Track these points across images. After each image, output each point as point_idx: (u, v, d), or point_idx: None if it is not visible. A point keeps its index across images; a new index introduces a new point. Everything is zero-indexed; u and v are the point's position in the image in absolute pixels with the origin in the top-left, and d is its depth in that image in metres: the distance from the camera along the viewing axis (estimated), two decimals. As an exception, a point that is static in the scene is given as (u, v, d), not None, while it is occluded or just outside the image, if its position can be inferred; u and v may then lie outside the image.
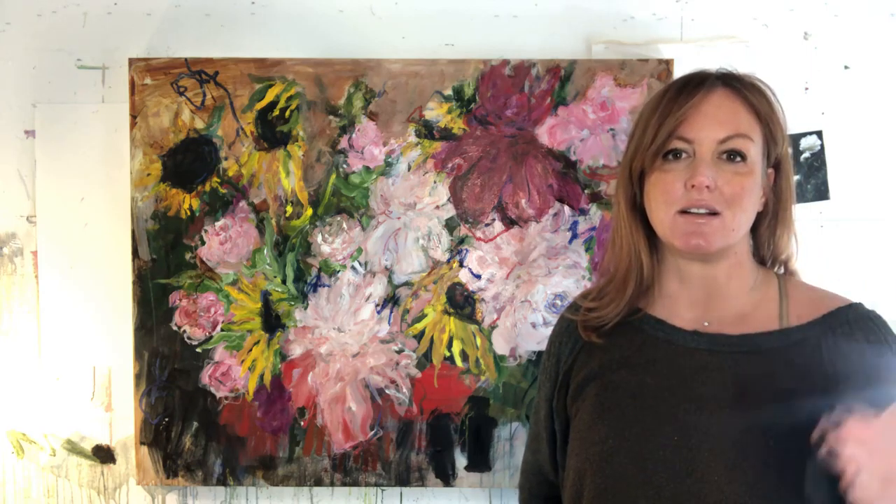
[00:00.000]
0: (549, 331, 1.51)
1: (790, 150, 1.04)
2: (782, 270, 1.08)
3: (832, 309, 1.01)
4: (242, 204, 1.54)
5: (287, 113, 1.53)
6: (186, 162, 1.53)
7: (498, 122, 1.52)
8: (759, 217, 1.04)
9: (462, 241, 1.53)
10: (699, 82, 1.01)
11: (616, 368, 1.04)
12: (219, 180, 1.54)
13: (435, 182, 1.53)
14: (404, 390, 1.54)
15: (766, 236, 1.06)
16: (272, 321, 1.54)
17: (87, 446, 1.59)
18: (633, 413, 1.00)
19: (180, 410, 1.54)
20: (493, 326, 1.53)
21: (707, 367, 0.99)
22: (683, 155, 0.99)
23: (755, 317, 1.02)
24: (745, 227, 1.00)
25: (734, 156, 0.97)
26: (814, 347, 0.98)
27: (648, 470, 0.96)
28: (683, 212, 0.98)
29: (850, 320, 0.99)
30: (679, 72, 1.49)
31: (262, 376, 1.54)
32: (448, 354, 1.53)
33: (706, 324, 1.02)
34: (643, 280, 1.05)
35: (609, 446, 1.00)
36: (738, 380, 0.97)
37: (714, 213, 0.97)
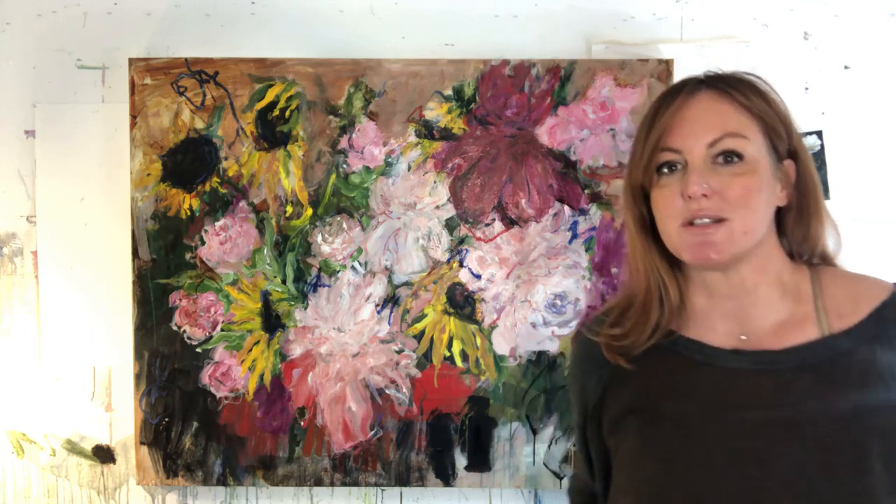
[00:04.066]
0: (548, 331, 1.52)
1: (802, 139, 0.98)
2: (814, 259, 1.02)
3: (876, 305, 0.94)
4: (242, 204, 1.54)
5: (287, 113, 1.53)
6: (186, 162, 1.53)
7: (498, 122, 1.52)
8: (784, 212, 0.98)
9: (462, 241, 1.53)
10: (679, 89, 0.97)
11: (655, 398, 0.97)
12: (219, 180, 1.54)
13: (435, 182, 1.53)
14: (404, 390, 1.54)
15: (797, 231, 1.00)
16: (272, 321, 1.54)
17: (87, 446, 1.59)
18: (680, 445, 0.93)
19: (180, 410, 1.54)
20: (493, 326, 1.53)
21: (755, 388, 0.92)
22: (678, 166, 0.94)
23: (793, 324, 0.95)
24: (759, 228, 0.94)
25: (730, 157, 0.92)
26: (868, 354, 0.91)
27: None
28: (689, 223, 0.93)
29: None
30: (679, 72, 1.49)
31: (262, 376, 1.54)
32: (448, 354, 1.53)
33: (743, 338, 0.96)
34: (671, 301, 0.99)
35: (659, 484, 0.93)
36: (792, 402, 0.91)
37: (721, 220, 0.92)
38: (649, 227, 1.01)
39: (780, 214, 0.99)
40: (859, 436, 0.88)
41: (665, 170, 0.96)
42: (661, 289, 0.99)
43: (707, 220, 0.92)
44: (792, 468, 0.88)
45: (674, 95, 0.97)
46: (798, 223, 1.00)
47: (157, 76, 1.53)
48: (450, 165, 1.53)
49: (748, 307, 0.97)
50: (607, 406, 1.03)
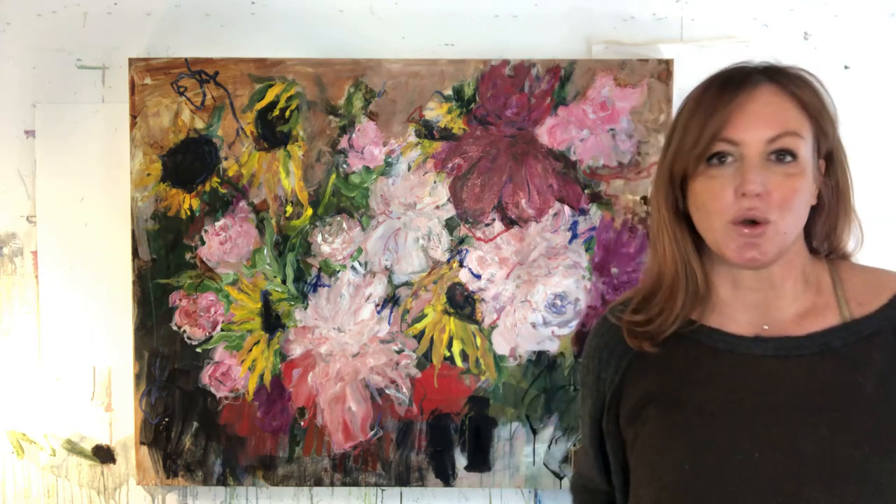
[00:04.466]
0: (548, 331, 1.52)
1: (841, 141, 0.97)
2: (832, 255, 1.02)
3: None
4: (242, 204, 1.54)
5: (287, 113, 1.53)
6: (186, 162, 1.53)
7: (498, 122, 1.52)
8: (814, 210, 0.97)
9: (462, 241, 1.53)
10: (742, 79, 0.94)
11: (676, 387, 0.97)
12: (219, 180, 1.54)
13: (435, 182, 1.53)
14: (404, 390, 1.54)
15: (824, 229, 0.99)
16: (272, 321, 1.54)
17: (87, 446, 1.59)
18: (703, 432, 0.93)
19: (180, 410, 1.54)
20: (493, 326, 1.53)
21: (777, 373, 0.92)
22: (729, 159, 0.92)
23: (814, 312, 0.96)
24: (797, 228, 0.94)
25: (784, 155, 0.90)
26: (891, 336, 0.92)
27: (731, 492, 0.89)
28: (738, 222, 0.91)
29: None
30: (679, 72, 1.49)
31: (262, 376, 1.54)
32: (448, 354, 1.53)
33: (766, 327, 0.96)
34: (697, 288, 0.98)
35: (685, 472, 0.92)
36: (816, 386, 0.91)
37: (766, 222, 0.90)
38: (681, 213, 0.99)
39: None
40: (885, 418, 0.89)
41: (714, 160, 0.93)
42: (688, 275, 0.98)
43: (753, 222, 0.91)
44: (818, 452, 0.88)
45: (737, 86, 0.93)
46: (827, 222, 0.99)
47: (157, 76, 1.53)
48: (450, 165, 1.53)
49: (772, 300, 0.97)
50: (625, 395, 1.02)
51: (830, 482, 0.87)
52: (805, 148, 0.92)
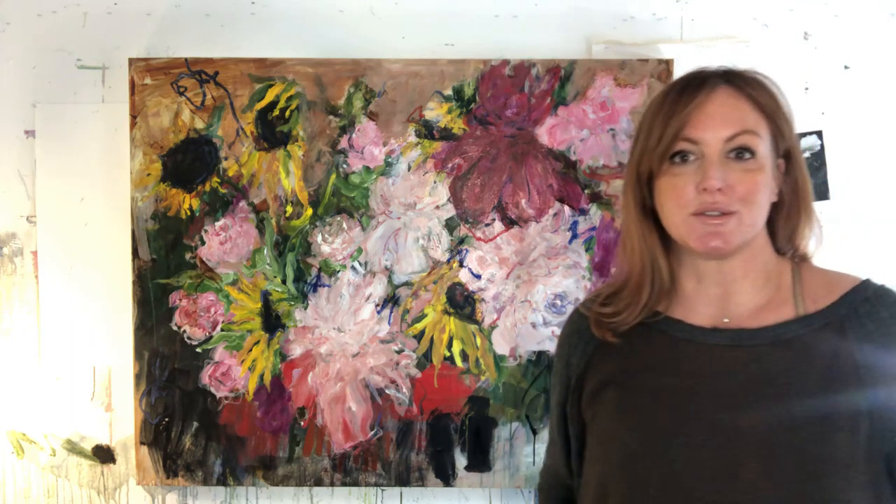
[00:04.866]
0: (548, 331, 1.52)
1: (799, 141, 1.02)
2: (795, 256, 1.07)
3: (848, 289, 0.99)
4: (242, 204, 1.54)
5: (287, 113, 1.53)
6: (186, 162, 1.53)
7: (498, 122, 1.52)
8: (775, 208, 1.02)
9: (462, 241, 1.53)
10: (701, 82, 0.99)
11: (635, 371, 1.02)
12: (219, 180, 1.54)
13: (435, 182, 1.53)
14: (404, 390, 1.54)
15: (786, 228, 1.04)
16: (272, 321, 1.54)
17: (87, 446, 1.59)
18: (655, 415, 0.98)
19: (180, 410, 1.54)
20: (493, 326, 1.53)
21: (730, 362, 0.97)
22: (691, 157, 0.97)
23: (771, 307, 1.00)
24: (760, 221, 0.99)
25: (742, 153, 0.96)
26: (838, 331, 0.96)
27: (676, 472, 0.94)
28: (699, 214, 0.96)
29: (871, 297, 0.98)
30: (679, 72, 1.49)
31: (262, 376, 1.54)
32: (448, 354, 1.53)
33: (726, 320, 1.01)
34: (662, 283, 1.03)
35: (633, 450, 0.97)
36: (764, 374, 0.95)
37: (729, 213, 0.95)
38: (648, 210, 1.04)
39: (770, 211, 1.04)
40: (826, 408, 0.93)
41: (677, 159, 0.99)
42: (654, 270, 1.04)
43: (716, 213, 0.96)
44: (758, 436, 0.92)
45: (696, 88, 0.99)
46: (788, 221, 1.04)
47: (157, 76, 1.53)
48: (450, 165, 1.53)
49: (733, 294, 1.02)
50: (589, 378, 1.07)
51: (769, 466, 0.91)
52: (763, 145, 0.97)
